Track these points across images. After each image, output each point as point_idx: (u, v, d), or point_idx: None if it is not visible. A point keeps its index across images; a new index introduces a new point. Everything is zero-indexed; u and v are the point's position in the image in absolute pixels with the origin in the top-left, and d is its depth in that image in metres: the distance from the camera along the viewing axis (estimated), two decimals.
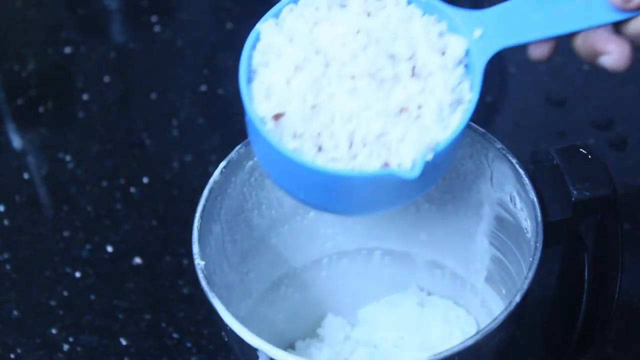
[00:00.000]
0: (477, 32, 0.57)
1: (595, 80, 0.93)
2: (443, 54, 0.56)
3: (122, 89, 0.99)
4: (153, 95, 0.97)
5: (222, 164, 0.64)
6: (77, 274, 0.83)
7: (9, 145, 0.94)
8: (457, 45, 0.56)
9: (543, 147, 0.63)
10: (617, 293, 0.64)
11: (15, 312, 0.81)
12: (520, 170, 0.62)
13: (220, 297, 0.58)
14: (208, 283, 0.59)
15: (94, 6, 1.08)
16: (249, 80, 0.56)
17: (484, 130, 0.64)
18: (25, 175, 0.91)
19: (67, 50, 1.02)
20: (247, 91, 0.55)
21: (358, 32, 0.55)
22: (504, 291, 0.69)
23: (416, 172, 0.53)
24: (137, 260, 0.84)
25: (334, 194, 0.56)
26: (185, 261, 0.83)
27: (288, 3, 0.57)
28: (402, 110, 0.54)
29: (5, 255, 0.85)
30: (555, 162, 0.61)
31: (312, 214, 0.72)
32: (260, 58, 0.56)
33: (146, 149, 0.93)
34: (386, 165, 0.53)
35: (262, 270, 0.71)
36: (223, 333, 0.60)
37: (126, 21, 1.08)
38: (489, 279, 0.71)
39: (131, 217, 0.87)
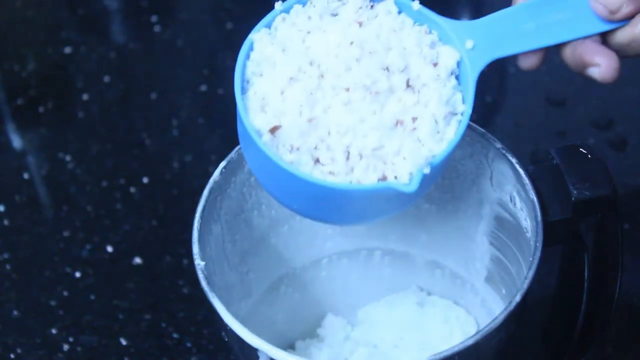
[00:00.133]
0: (469, 43, 0.57)
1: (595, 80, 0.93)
2: (435, 65, 0.56)
3: (122, 89, 0.99)
4: (153, 95, 0.97)
5: (222, 164, 0.64)
6: (77, 274, 0.83)
7: (9, 145, 0.94)
8: (449, 57, 0.56)
9: (543, 147, 0.63)
10: (617, 293, 0.64)
11: (15, 312, 0.81)
12: (520, 170, 0.62)
13: (220, 297, 0.58)
14: (208, 283, 0.59)
15: (94, 6, 1.08)
16: (243, 90, 0.56)
17: (484, 130, 0.64)
18: (25, 175, 0.91)
19: (67, 50, 1.02)
20: (242, 102, 0.55)
21: (352, 43, 0.55)
22: (504, 291, 0.69)
23: (414, 186, 0.53)
24: (137, 260, 0.84)
25: (330, 205, 0.56)
26: (185, 261, 0.83)
27: (280, 12, 0.57)
28: (397, 123, 0.54)
29: (5, 255, 0.85)
30: (555, 162, 0.61)
31: None
32: (254, 68, 0.56)
33: (146, 149, 0.93)
34: (383, 178, 0.54)
35: (262, 270, 0.71)
36: (223, 333, 0.60)
37: (126, 21, 1.08)
38: (489, 279, 0.71)
39: (131, 217, 0.87)
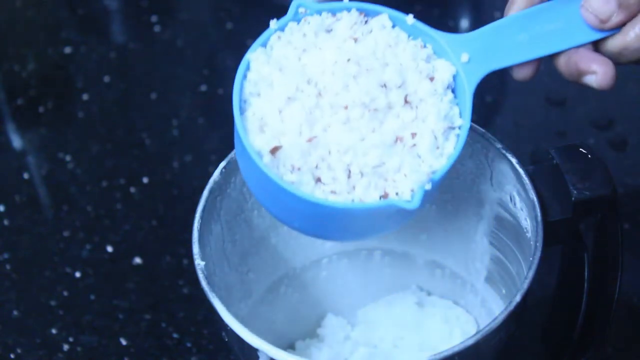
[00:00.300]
0: (464, 57, 0.57)
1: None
2: (432, 79, 0.56)
3: (122, 89, 0.99)
4: (153, 95, 0.97)
5: (222, 164, 0.64)
6: (77, 274, 0.83)
7: (9, 145, 0.94)
8: (445, 71, 0.57)
9: (543, 147, 0.63)
10: (617, 293, 0.64)
11: (15, 312, 0.81)
12: (520, 170, 0.62)
13: (220, 297, 0.58)
14: (208, 283, 0.59)
15: (94, 6, 1.08)
16: (241, 110, 0.55)
17: (484, 130, 0.64)
18: (25, 175, 0.91)
19: (67, 50, 1.02)
20: (241, 123, 0.55)
21: (349, 60, 0.55)
22: (504, 291, 0.69)
23: (416, 203, 0.53)
24: (137, 260, 0.84)
25: (332, 224, 0.56)
26: (185, 261, 0.83)
27: (275, 31, 0.57)
28: (396, 139, 0.55)
29: (5, 255, 0.85)
30: (555, 162, 0.61)
31: None
32: (252, 88, 0.56)
33: (146, 149, 0.93)
34: (385, 195, 0.54)
35: (262, 270, 0.71)
36: (223, 333, 0.60)
37: (126, 21, 1.08)
38: (489, 279, 0.71)
39: (131, 217, 0.87)
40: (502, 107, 0.95)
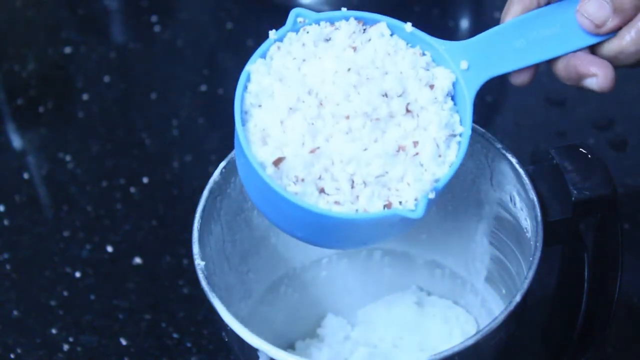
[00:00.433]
0: (464, 64, 0.57)
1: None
2: (432, 87, 0.56)
3: (122, 89, 0.99)
4: (153, 95, 0.97)
5: (222, 164, 0.64)
6: (77, 274, 0.83)
7: (9, 145, 0.94)
8: (444, 78, 0.57)
9: (543, 147, 0.63)
10: (617, 293, 0.64)
11: (15, 312, 0.81)
12: (520, 170, 0.62)
13: (220, 297, 0.58)
14: (208, 283, 0.59)
15: (94, 6, 1.08)
16: (242, 122, 0.55)
17: (484, 130, 0.64)
18: (25, 175, 0.91)
19: (67, 50, 1.02)
20: (244, 135, 0.55)
21: (349, 69, 0.55)
22: (504, 291, 0.69)
23: (420, 212, 0.54)
24: (137, 260, 0.84)
25: (336, 233, 0.57)
26: (185, 261, 0.83)
27: (274, 42, 0.57)
28: (399, 148, 0.55)
29: (5, 255, 0.85)
30: (555, 162, 0.61)
31: None
32: (253, 100, 0.56)
33: (146, 149, 0.93)
34: (388, 204, 0.54)
35: (262, 270, 0.71)
36: (223, 333, 0.60)
37: (126, 21, 1.08)
38: (489, 279, 0.71)
39: (131, 217, 0.87)
40: (502, 107, 0.95)
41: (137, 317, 0.80)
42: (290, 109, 0.55)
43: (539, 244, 0.59)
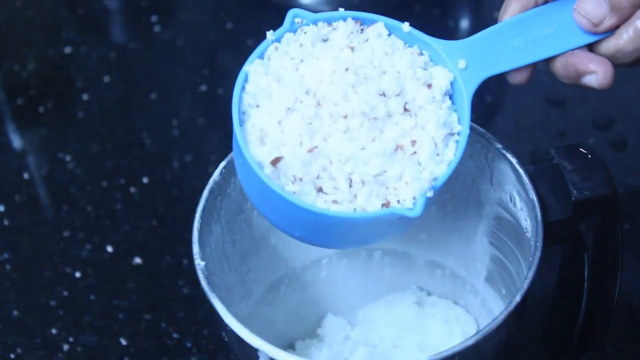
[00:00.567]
0: (462, 63, 0.57)
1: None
2: (429, 86, 0.56)
3: (122, 89, 0.99)
4: (153, 95, 0.97)
5: (222, 164, 0.64)
6: (77, 274, 0.83)
7: (9, 145, 0.94)
8: (442, 78, 0.57)
9: (543, 147, 0.63)
10: (617, 293, 0.64)
11: (15, 312, 0.81)
12: (520, 170, 0.62)
13: (220, 297, 0.58)
14: (208, 283, 0.59)
15: (94, 6, 1.08)
16: (240, 122, 0.55)
17: (484, 130, 0.64)
18: (25, 175, 0.91)
19: (67, 50, 1.02)
20: (242, 135, 0.55)
21: (347, 69, 0.55)
22: (504, 291, 0.69)
23: (418, 211, 0.54)
24: (137, 260, 0.84)
25: (335, 233, 0.57)
26: (185, 261, 0.83)
27: (272, 42, 0.57)
28: (397, 147, 0.55)
29: (5, 255, 0.85)
30: (555, 162, 0.61)
31: None
32: (250, 100, 0.56)
33: (146, 149, 0.93)
34: (387, 203, 0.54)
35: (262, 270, 0.71)
36: (223, 333, 0.60)
37: (126, 21, 1.08)
38: (489, 279, 0.71)
39: (131, 217, 0.87)
40: (502, 107, 0.95)
41: (137, 317, 0.80)
42: (288, 109, 0.55)
43: (539, 244, 0.59)
